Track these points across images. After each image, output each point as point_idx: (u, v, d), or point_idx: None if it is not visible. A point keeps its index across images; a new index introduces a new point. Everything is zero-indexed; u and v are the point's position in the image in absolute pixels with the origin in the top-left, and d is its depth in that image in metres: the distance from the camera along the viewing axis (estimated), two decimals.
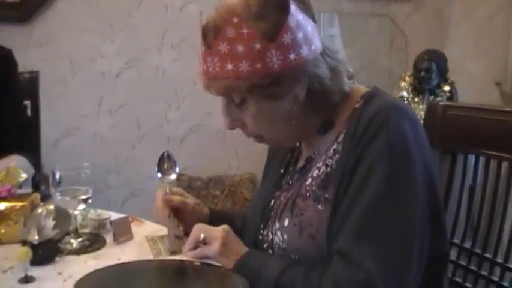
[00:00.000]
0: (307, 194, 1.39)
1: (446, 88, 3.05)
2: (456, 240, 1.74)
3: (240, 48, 1.28)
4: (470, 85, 3.26)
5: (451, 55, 3.19)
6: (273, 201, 1.52)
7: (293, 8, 1.31)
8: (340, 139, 1.37)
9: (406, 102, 3.05)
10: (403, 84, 3.12)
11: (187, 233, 1.55)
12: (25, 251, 1.38)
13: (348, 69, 1.44)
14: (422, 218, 1.30)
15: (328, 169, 1.36)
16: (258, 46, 1.28)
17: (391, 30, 3.60)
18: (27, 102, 2.63)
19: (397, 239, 1.26)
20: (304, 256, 1.37)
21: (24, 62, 3.08)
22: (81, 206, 1.61)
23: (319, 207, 1.35)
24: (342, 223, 1.29)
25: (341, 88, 1.40)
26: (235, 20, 1.29)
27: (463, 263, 1.72)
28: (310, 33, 1.34)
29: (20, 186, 1.86)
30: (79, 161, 3.36)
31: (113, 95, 3.45)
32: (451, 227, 1.74)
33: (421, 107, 3.01)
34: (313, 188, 1.38)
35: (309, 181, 1.41)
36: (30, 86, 2.72)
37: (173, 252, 1.52)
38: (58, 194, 1.56)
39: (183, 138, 3.55)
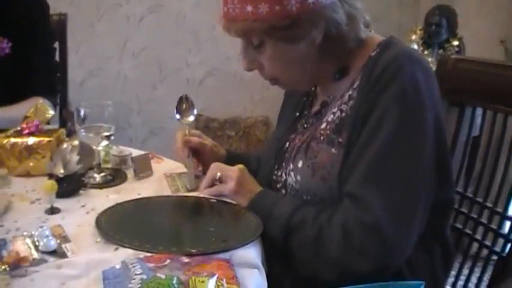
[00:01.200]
0: (322, 137, 1.36)
1: (455, 43, 2.97)
2: (459, 189, 1.70)
3: None
4: (476, 42, 3.17)
5: (459, 12, 3.09)
6: (287, 144, 1.48)
7: None
8: (355, 85, 1.33)
9: None
10: (413, 37, 3.04)
11: (205, 172, 1.52)
12: (51, 184, 1.36)
13: (364, 17, 1.39)
14: (430, 164, 1.27)
15: (343, 114, 1.33)
16: None
17: None
18: (56, 44, 2.58)
19: (405, 184, 1.23)
20: (315, 197, 1.35)
21: (54, 6, 3.01)
22: (104, 143, 1.58)
23: (333, 150, 1.32)
24: (353, 167, 1.26)
25: (357, 35, 1.35)
26: None
27: (464, 210, 1.69)
28: None
29: (48, 123, 1.83)
30: (103, 100, 3.37)
31: (136, 38, 3.39)
32: (455, 176, 1.70)
33: (430, 60, 2.93)
34: (328, 132, 1.35)
35: (323, 125, 1.37)
36: (59, 28, 2.67)
37: (192, 190, 1.50)
38: (82, 130, 1.53)
39: (201, 81, 3.50)
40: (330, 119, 1.36)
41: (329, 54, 1.36)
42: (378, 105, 1.24)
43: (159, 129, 3.54)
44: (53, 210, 1.37)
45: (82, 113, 1.52)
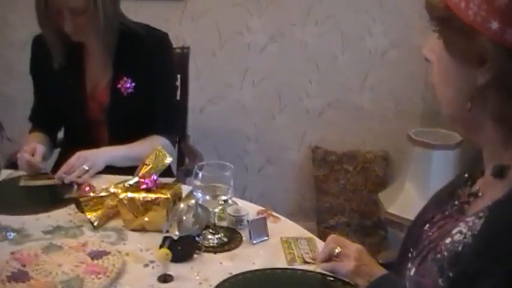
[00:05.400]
0: (438, 255, 1.09)
1: None
2: None
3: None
4: None
5: None
6: (427, 226, 1.23)
7: None
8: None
9: None
10: None
11: None
12: (165, 253, 1.33)
13: None
14: None
15: (469, 239, 1.04)
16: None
17: None
18: (177, 76, 2.58)
19: None
20: None
21: (178, 35, 3.05)
22: (221, 206, 1.54)
23: (440, 282, 1.06)
24: None
25: None
26: None
27: None
28: None
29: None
30: (222, 127, 3.37)
31: (257, 67, 3.35)
32: None
33: None
34: (445, 254, 1.07)
35: (448, 240, 1.08)
36: (182, 60, 2.69)
37: (308, 262, 1.43)
38: (199, 191, 1.49)
39: (320, 112, 3.40)
40: (456, 238, 1.06)
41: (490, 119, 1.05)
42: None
43: (275, 158, 3.48)
44: (165, 278, 1.34)
45: (200, 175, 1.48)
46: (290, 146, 3.47)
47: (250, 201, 1.86)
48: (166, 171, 2.01)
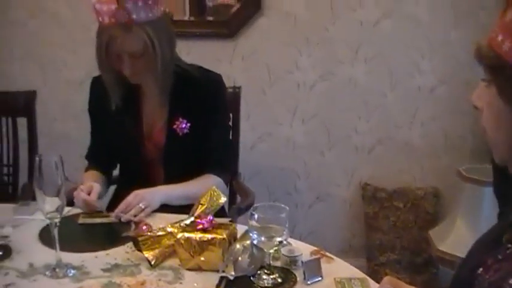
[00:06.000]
0: None
1: None
2: None
3: None
4: None
5: None
6: (480, 269, 1.19)
7: None
8: None
9: None
10: None
11: None
12: None
13: None
14: None
15: None
16: None
17: None
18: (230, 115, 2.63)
19: None
20: None
21: (228, 73, 3.11)
22: (276, 247, 1.55)
23: None
24: None
25: None
26: None
27: None
28: None
29: None
30: (272, 164, 3.40)
31: (307, 105, 3.38)
32: None
33: None
34: None
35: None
36: (234, 99, 2.74)
37: None
38: (255, 233, 1.51)
39: (370, 149, 3.41)
40: None
41: None
42: None
43: (325, 195, 3.48)
44: None
45: (256, 217, 1.50)
46: (340, 183, 3.48)
47: (300, 238, 1.87)
48: (219, 210, 2.03)
